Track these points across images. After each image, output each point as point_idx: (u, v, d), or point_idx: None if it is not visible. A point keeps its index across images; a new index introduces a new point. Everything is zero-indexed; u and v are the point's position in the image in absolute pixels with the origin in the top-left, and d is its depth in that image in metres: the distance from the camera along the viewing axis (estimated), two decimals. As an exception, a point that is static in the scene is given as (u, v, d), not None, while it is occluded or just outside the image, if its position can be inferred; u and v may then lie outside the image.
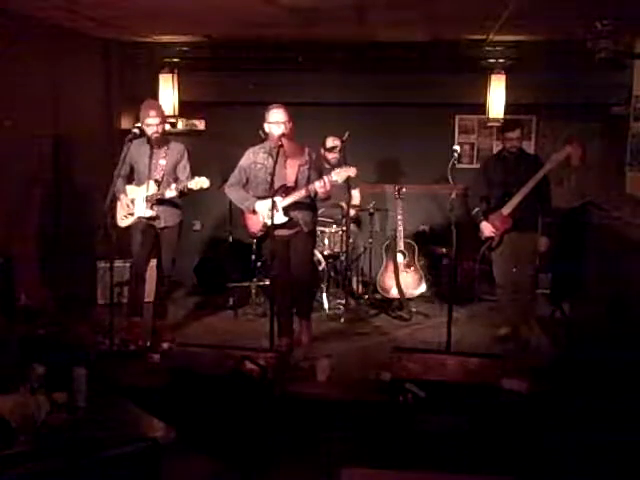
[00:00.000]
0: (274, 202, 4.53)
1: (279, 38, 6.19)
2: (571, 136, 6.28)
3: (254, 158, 4.77)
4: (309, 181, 4.71)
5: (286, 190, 4.68)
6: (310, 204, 4.83)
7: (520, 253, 5.07)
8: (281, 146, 4.57)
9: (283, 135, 4.57)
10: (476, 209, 5.11)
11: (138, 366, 4.41)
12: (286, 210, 4.67)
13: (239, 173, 4.83)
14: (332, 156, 5.97)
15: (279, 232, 4.65)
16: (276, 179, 4.60)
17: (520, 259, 5.09)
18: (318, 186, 4.57)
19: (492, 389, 3.87)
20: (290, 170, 4.71)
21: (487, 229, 5.04)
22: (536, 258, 5.26)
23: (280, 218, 4.63)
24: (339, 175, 4.56)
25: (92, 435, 2.77)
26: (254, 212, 4.76)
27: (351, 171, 4.60)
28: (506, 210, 4.94)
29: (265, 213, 4.67)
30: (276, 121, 4.60)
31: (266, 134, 4.74)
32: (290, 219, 4.69)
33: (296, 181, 4.71)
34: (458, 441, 3.39)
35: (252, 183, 4.81)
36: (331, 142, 6.00)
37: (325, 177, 4.57)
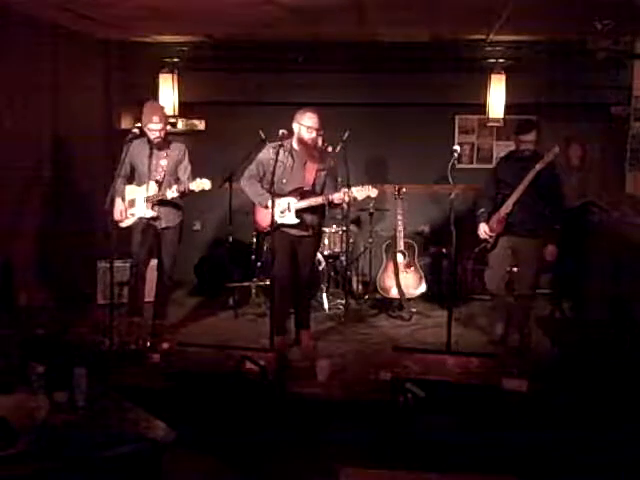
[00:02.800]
0: (273, 201, 4.54)
1: (279, 38, 6.20)
2: (570, 136, 6.27)
3: (274, 155, 4.73)
4: (324, 187, 4.75)
5: (302, 193, 4.71)
6: (321, 208, 4.84)
7: (519, 258, 4.94)
8: (308, 149, 4.64)
9: (312, 141, 4.62)
10: (482, 209, 4.99)
11: (138, 366, 4.41)
12: (298, 212, 4.69)
13: (256, 167, 4.83)
14: None
15: (287, 229, 4.71)
16: (293, 180, 4.68)
17: (518, 264, 4.96)
18: (337, 198, 4.62)
19: (492, 389, 3.87)
20: (309, 174, 4.74)
21: (481, 231, 4.93)
22: (536, 265, 4.98)
23: (291, 219, 4.69)
24: (359, 193, 4.61)
25: (92, 435, 2.77)
26: (266, 207, 4.77)
27: (372, 192, 4.64)
28: (503, 212, 4.84)
29: (277, 211, 4.68)
30: (309, 126, 4.63)
31: (289, 133, 4.73)
32: (300, 221, 4.71)
33: (313, 185, 4.75)
34: (458, 441, 3.39)
35: (268, 178, 4.78)
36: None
37: (344, 190, 4.61)
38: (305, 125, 4.64)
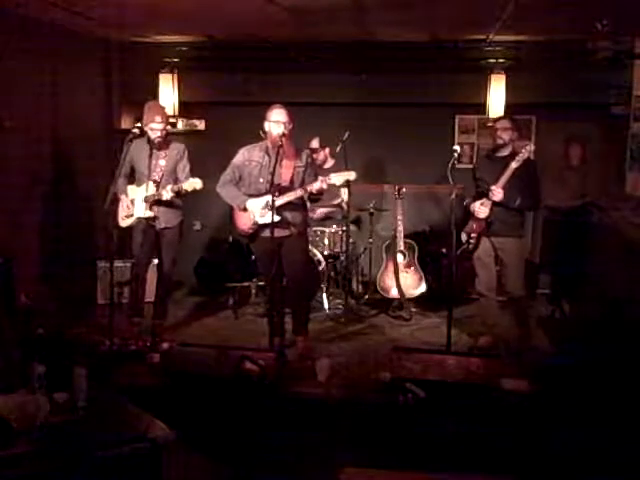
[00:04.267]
0: (273, 200, 4.51)
1: (279, 38, 6.20)
2: (570, 136, 6.27)
3: (249, 156, 4.76)
4: (303, 182, 4.70)
5: (280, 189, 4.65)
6: (301, 205, 4.81)
7: (504, 259, 4.84)
8: (281, 146, 4.57)
9: (284, 135, 4.57)
10: (466, 200, 4.90)
11: (138, 366, 4.41)
12: (278, 210, 4.65)
13: (232, 171, 4.81)
14: (314, 156, 5.97)
15: (268, 234, 4.61)
16: (269, 179, 4.62)
17: (504, 265, 4.86)
18: (316, 187, 4.58)
19: (492, 389, 3.87)
20: (285, 170, 4.70)
21: (480, 210, 4.75)
22: (523, 264, 4.91)
23: (272, 217, 4.63)
24: (337, 178, 4.58)
25: (92, 435, 2.77)
26: (244, 210, 4.73)
27: (350, 175, 4.62)
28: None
29: (257, 211, 4.66)
30: (277, 120, 4.60)
31: (265, 133, 4.74)
32: (281, 219, 4.69)
33: (291, 181, 4.70)
34: (458, 441, 3.39)
35: (245, 181, 4.79)
36: (314, 144, 6.03)
37: (321, 178, 4.57)
38: (273, 120, 4.62)
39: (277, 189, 4.63)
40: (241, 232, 4.91)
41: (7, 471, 2.45)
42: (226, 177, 4.82)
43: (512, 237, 4.81)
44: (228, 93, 6.73)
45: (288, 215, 4.70)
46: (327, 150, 5.99)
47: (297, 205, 4.74)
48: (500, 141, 4.78)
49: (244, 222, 4.79)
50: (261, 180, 4.69)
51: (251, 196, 4.71)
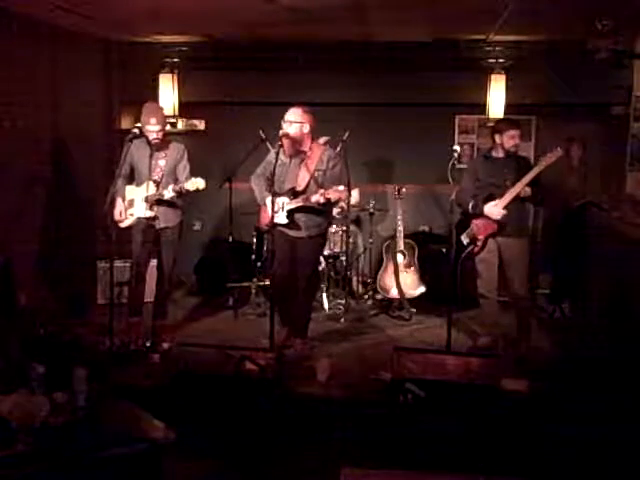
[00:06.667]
0: (273, 202, 4.53)
1: (279, 38, 6.20)
2: (571, 136, 6.26)
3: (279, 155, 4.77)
4: (322, 187, 4.62)
5: (294, 194, 4.69)
6: (318, 210, 4.72)
7: (507, 260, 4.85)
8: (281, 146, 4.59)
9: (284, 135, 4.57)
10: (472, 202, 4.82)
11: (138, 366, 4.41)
12: (290, 212, 4.68)
13: (264, 167, 4.88)
14: None
15: (284, 230, 4.72)
16: (289, 180, 4.69)
17: (508, 267, 4.87)
18: (313, 199, 4.57)
19: (492, 389, 3.87)
20: (303, 174, 4.70)
21: (496, 212, 4.71)
22: (526, 265, 4.91)
23: (282, 219, 4.68)
24: (331, 194, 4.52)
25: (92, 435, 2.77)
26: (264, 205, 4.82)
27: (342, 194, 4.56)
28: (496, 215, 4.72)
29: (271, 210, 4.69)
30: (285, 120, 4.62)
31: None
32: (291, 222, 4.70)
33: (307, 186, 4.69)
34: (458, 441, 3.39)
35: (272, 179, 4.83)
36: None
37: (321, 191, 4.53)
38: (285, 120, 4.62)
39: (291, 193, 4.70)
40: (263, 226, 5.09)
41: (7, 471, 2.45)
42: (258, 171, 4.91)
43: (518, 237, 4.83)
44: (228, 93, 6.72)
45: (301, 218, 4.73)
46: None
47: (312, 209, 4.70)
48: (513, 149, 4.79)
49: (265, 217, 4.90)
50: (282, 179, 4.72)
51: (274, 194, 4.69)
